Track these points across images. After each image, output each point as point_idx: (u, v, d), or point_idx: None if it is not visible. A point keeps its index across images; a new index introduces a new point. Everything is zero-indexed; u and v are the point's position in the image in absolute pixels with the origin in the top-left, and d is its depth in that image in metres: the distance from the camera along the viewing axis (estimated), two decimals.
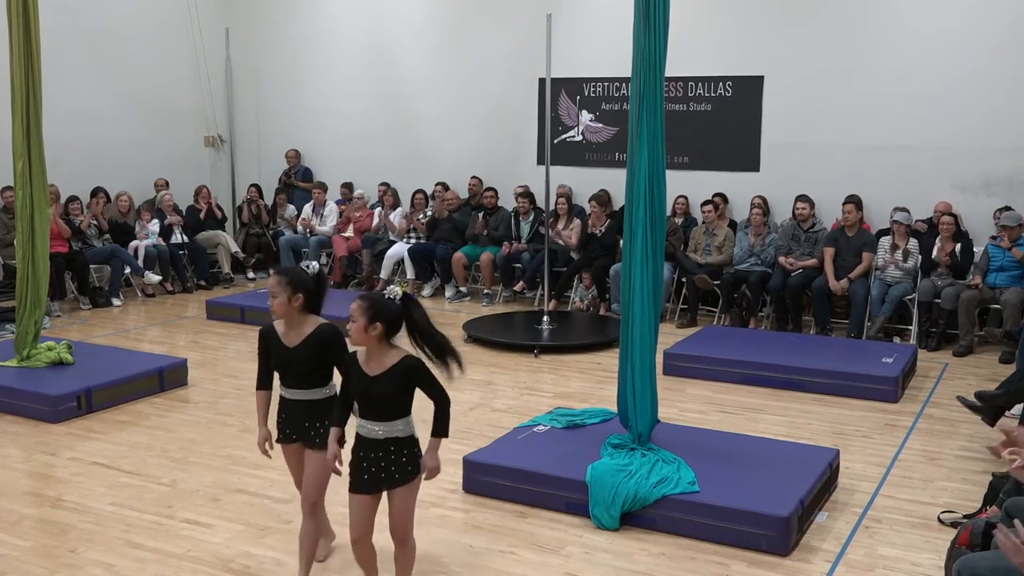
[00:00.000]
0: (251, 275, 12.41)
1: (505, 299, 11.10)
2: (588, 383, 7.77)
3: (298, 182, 13.17)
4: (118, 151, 12.27)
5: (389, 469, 3.75)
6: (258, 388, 4.26)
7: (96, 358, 7.69)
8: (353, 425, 3.83)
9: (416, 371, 3.70)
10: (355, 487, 3.79)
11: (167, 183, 12.30)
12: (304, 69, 13.24)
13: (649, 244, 5.34)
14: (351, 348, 3.82)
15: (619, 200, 10.50)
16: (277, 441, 4.26)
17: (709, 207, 10.25)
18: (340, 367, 3.93)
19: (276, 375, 4.20)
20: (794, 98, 10.40)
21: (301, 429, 4.15)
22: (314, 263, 4.17)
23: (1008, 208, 9.15)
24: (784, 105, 10.47)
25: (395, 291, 3.69)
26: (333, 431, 3.90)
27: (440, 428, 3.79)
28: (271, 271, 3.71)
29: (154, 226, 11.54)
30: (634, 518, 4.96)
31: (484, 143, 12.03)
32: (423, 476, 3.82)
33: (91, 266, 10.75)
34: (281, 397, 4.22)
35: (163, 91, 12.87)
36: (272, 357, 4.15)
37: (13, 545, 4.78)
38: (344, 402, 3.89)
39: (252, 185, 12.99)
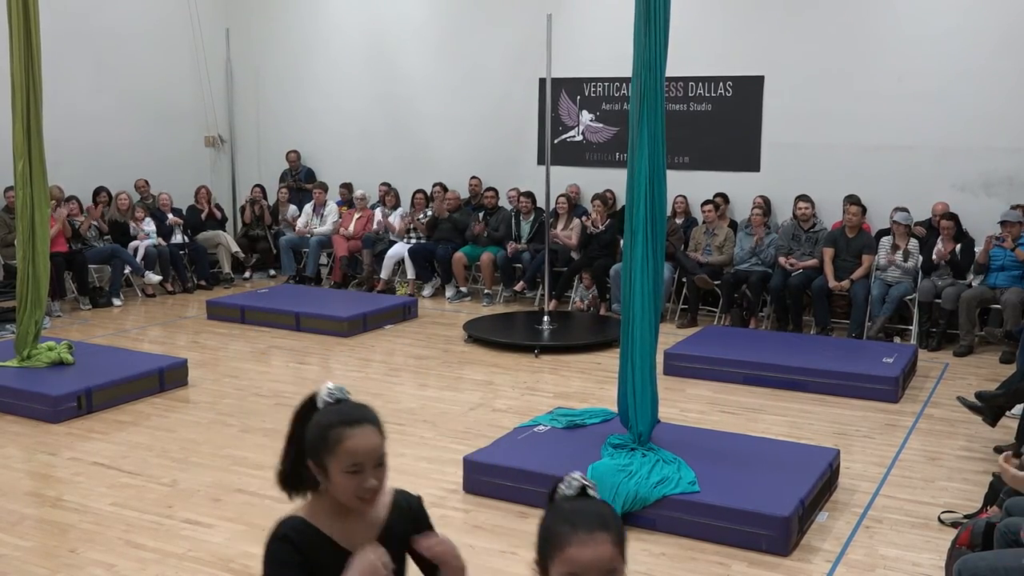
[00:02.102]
0: (247, 275, 12.42)
1: (505, 299, 11.10)
2: (588, 383, 7.77)
3: (303, 184, 13.16)
4: (118, 151, 12.25)
5: None
6: None
7: (96, 358, 7.69)
8: None
9: None
10: None
11: (147, 183, 12.14)
12: (304, 69, 13.24)
13: (649, 244, 5.33)
14: None
15: (621, 200, 10.50)
16: None
17: (709, 207, 10.24)
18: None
19: None
20: (794, 98, 10.40)
21: None
22: (578, 477, 1.95)
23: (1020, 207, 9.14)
24: (784, 105, 10.47)
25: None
26: None
27: None
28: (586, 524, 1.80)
29: (149, 224, 11.53)
30: (634, 518, 4.96)
31: (484, 143, 12.03)
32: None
33: (91, 266, 10.74)
34: None
35: (163, 91, 12.86)
36: None
37: (14, 545, 4.78)
38: None
39: (256, 185, 13.00)
